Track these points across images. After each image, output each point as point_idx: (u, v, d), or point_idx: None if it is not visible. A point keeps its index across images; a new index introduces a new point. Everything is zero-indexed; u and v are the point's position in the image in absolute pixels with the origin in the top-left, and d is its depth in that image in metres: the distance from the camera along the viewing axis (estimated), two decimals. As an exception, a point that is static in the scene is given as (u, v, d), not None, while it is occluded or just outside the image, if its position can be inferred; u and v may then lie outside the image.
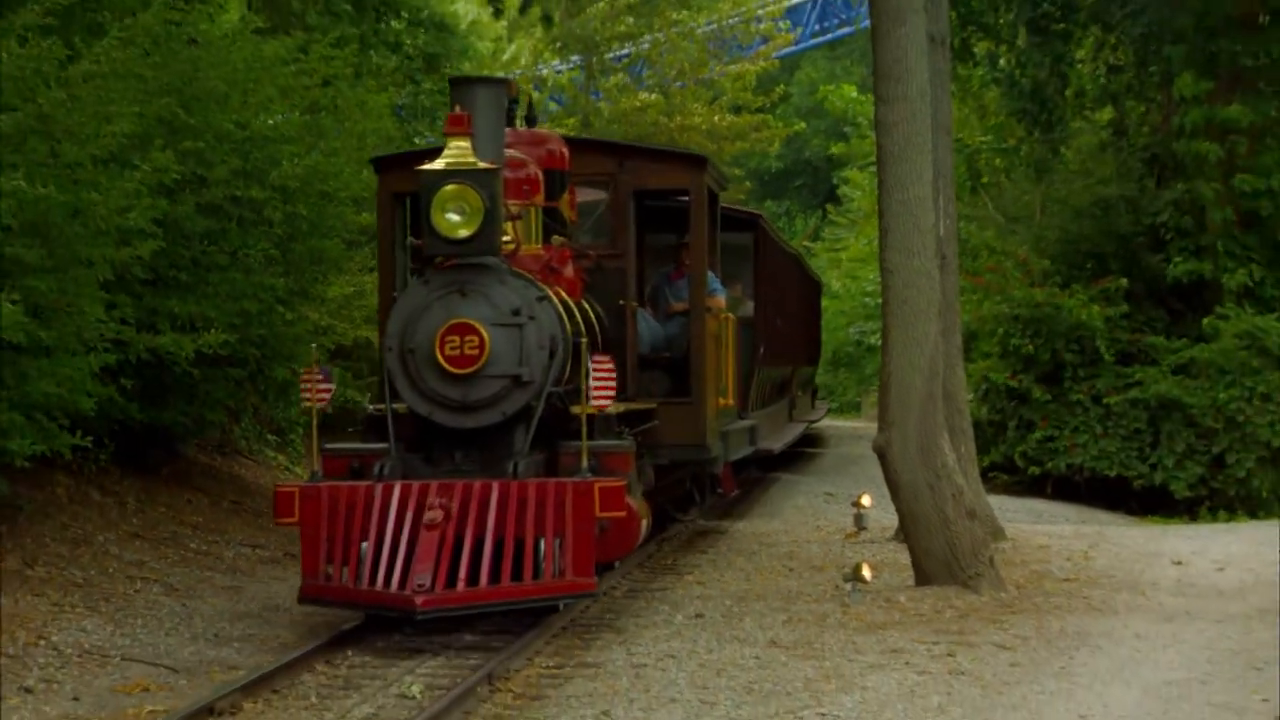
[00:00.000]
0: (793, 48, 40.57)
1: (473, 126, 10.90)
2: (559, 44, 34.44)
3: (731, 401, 15.33)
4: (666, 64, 34.92)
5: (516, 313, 10.75)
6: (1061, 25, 26.28)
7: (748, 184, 41.67)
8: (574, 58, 35.13)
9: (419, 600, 9.59)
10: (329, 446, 11.40)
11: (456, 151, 10.82)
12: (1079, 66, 27.18)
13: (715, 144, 33.58)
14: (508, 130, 12.10)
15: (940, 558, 12.69)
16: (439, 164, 10.80)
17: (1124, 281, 24.71)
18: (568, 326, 11.33)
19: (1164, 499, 23.51)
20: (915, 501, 12.78)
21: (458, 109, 11.05)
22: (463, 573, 9.87)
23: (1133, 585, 13.69)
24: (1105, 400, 24.01)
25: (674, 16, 34.57)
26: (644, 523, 11.47)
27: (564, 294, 11.93)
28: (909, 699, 9.00)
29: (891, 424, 12.81)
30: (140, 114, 11.39)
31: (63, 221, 10.21)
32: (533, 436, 10.95)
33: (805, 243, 41.28)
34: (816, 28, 40.91)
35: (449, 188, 10.60)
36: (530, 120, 13.10)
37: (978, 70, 27.40)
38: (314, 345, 11.86)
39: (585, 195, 13.90)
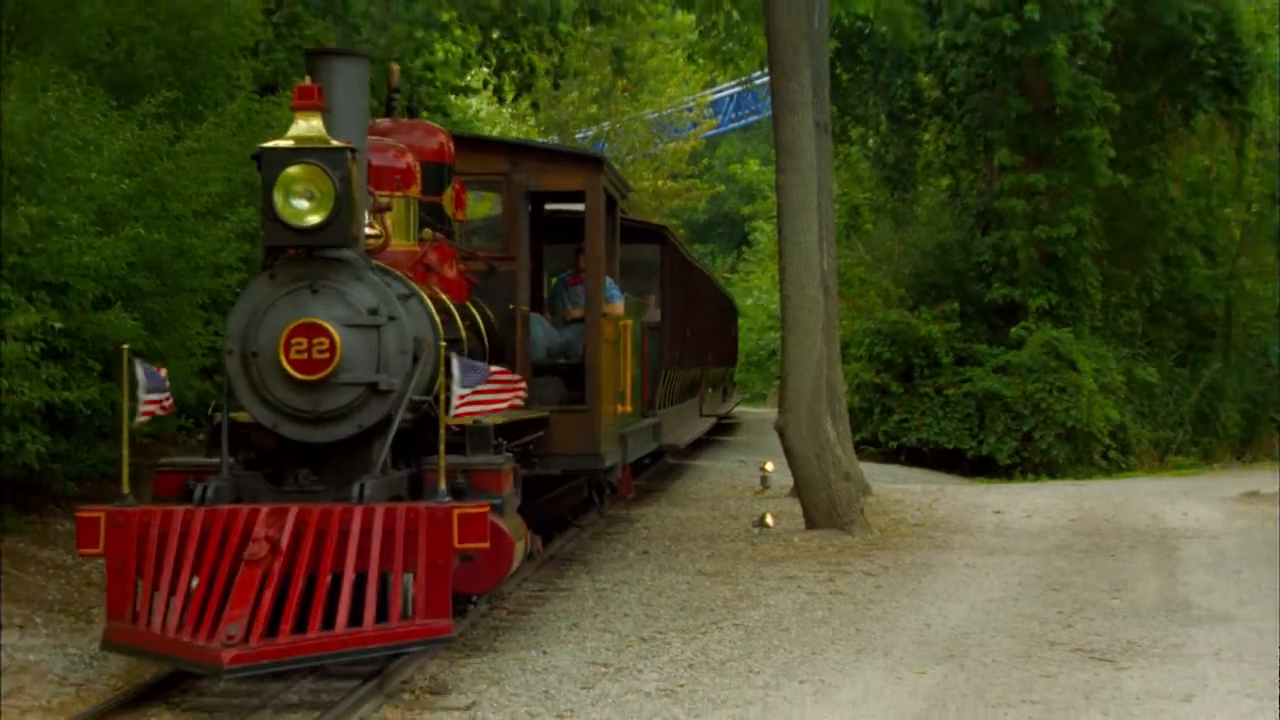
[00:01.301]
0: (715, 130, 40.63)
1: (329, 104, 7.37)
2: (542, 127, 34.39)
3: (629, 408, 11.58)
4: (622, 141, 35.01)
5: (374, 312, 7.23)
6: (913, 116, 26.67)
7: (681, 231, 41.70)
8: (554, 137, 35.12)
9: (226, 656, 6.23)
10: (164, 461, 7.86)
11: (305, 129, 7.28)
12: (926, 145, 27.46)
13: (658, 201, 33.66)
14: (387, 120, 9.15)
15: (824, 509, 12.72)
16: (285, 141, 7.32)
17: (956, 305, 24.92)
18: (439, 329, 7.92)
19: (988, 465, 23.66)
20: (806, 467, 12.82)
21: (308, 81, 7.47)
22: (288, 618, 6.46)
23: (964, 528, 13.77)
24: (945, 392, 24.16)
25: (625, 108, 34.73)
26: (520, 546, 7.78)
27: (443, 294, 8.54)
28: (800, 613, 9.07)
29: (788, 410, 12.84)
30: (229, 179, 11.35)
31: (171, 259, 10.15)
32: (399, 452, 7.58)
33: (724, 274, 41.22)
34: (733, 116, 40.81)
35: (294, 169, 7.14)
36: (411, 111, 9.73)
37: (853, 148, 27.66)
38: (125, 346, 7.51)
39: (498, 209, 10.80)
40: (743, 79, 28.29)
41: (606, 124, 34.83)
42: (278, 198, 7.16)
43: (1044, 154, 24.47)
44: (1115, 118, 24.64)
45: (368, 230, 7.84)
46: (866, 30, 24.38)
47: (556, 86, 22.26)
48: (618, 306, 11.15)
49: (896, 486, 18.29)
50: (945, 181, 27.86)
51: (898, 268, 26.55)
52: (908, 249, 26.81)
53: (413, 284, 7.94)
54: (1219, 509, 15.99)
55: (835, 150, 21.33)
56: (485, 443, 7.86)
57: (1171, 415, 26.39)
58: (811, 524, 12.71)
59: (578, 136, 34.22)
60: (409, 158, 8.63)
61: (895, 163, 27.23)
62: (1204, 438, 26.94)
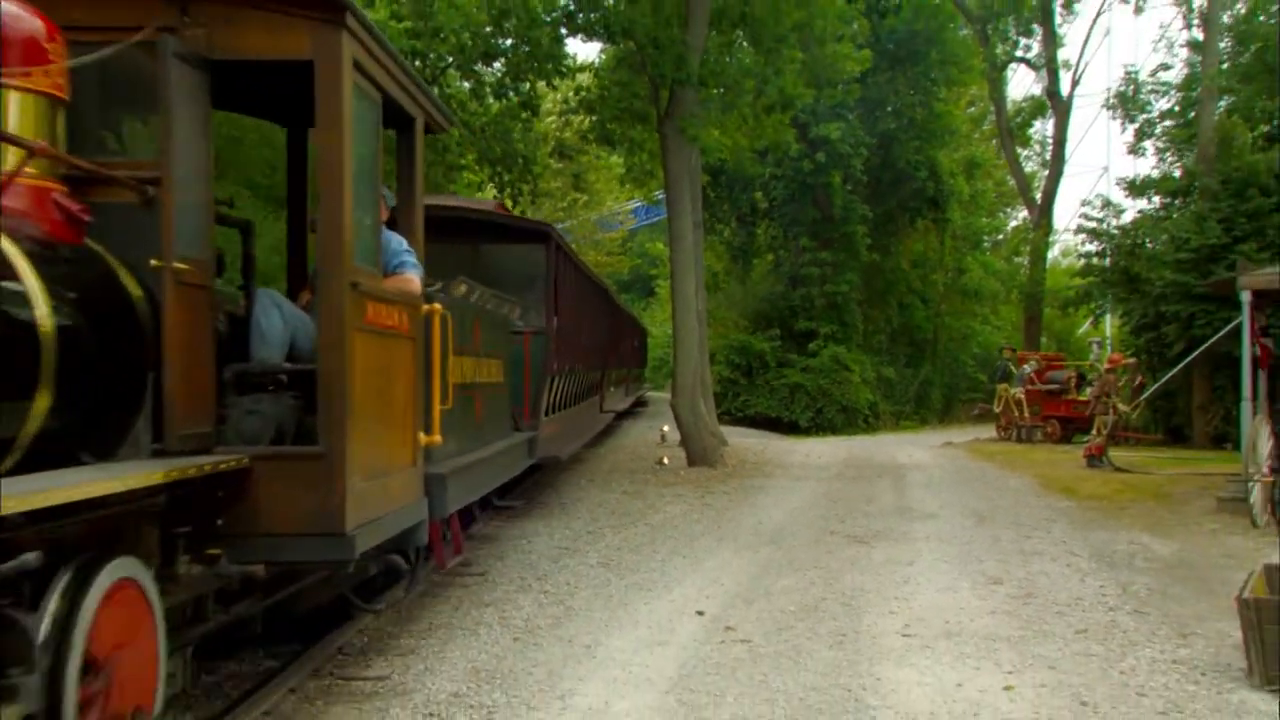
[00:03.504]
0: (634, 226, 40.60)
1: None
2: (530, 223, 34.32)
3: (438, 438, 4.27)
4: (579, 231, 34.94)
5: None
6: (751, 218, 26.88)
7: (614, 287, 41.55)
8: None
9: None
10: None
11: None
12: (759, 235, 27.69)
13: (599, 269, 33.48)
14: None
15: (699, 453, 12.71)
16: None
17: (778, 331, 25.13)
18: None
19: (796, 427, 23.69)
20: (688, 428, 12.80)
21: None
22: None
23: (782, 465, 13.83)
24: (771, 383, 24.31)
25: (580, 211, 34.78)
26: None
27: None
28: (684, 516, 9.07)
29: (678, 394, 12.83)
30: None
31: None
32: None
33: (640, 310, 41.11)
34: (645, 216, 40.87)
35: None
36: None
37: (716, 237, 27.80)
38: None
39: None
40: (652, 195, 28.38)
41: (571, 220, 34.81)
42: None
43: (829, 241, 24.83)
44: (870, 220, 25.10)
45: None
46: (724, 166, 24.63)
47: (534, 201, 22.30)
48: (411, 280, 4.26)
49: (743, 440, 18.39)
50: (770, 257, 28.12)
51: (744, 309, 26.75)
52: (748, 298, 27.06)
53: None
54: (929, 452, 16.28)
55: (705, 238, 21.41)
56: None
57: (903, 396, 26.88)
58: (692, 463, 12.71)
59: (550, 230, 34.06)
60: None
61: (740, 246, 27.51)
62: (921, 410, 27.47)
